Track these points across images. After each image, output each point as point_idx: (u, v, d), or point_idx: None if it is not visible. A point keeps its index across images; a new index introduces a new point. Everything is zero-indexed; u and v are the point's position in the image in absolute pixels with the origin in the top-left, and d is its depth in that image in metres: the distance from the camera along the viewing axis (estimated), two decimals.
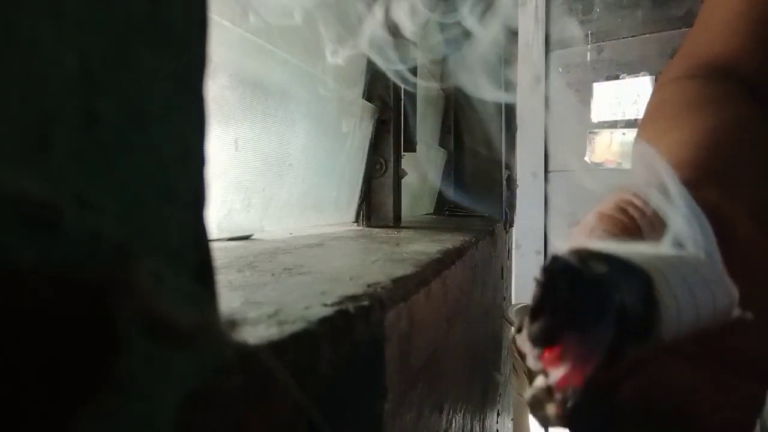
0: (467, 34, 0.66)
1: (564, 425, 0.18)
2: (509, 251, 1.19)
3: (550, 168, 2.01)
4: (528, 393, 0.19)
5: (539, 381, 0.18)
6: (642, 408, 0.19)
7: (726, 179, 0.24)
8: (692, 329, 0.17)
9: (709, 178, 0.23)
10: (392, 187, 0.65)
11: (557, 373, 0.16)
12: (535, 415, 0.18)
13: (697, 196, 0.20)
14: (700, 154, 0.25)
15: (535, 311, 0.17)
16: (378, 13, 0.57)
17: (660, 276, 0.16)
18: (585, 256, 0.16)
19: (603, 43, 1.87)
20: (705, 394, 0.19)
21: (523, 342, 0.17)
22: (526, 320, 0.17)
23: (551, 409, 0.17)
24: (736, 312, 0.18)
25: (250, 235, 0.41)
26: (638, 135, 0.34)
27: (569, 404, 0.17)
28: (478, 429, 0.59)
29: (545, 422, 0.18)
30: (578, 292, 0.16)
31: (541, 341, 0.16)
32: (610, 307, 0.15)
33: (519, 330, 0.18)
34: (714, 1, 0.37)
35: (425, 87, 0.94)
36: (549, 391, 0.17)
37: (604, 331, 0.15)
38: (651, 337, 0.16)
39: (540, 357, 0.17)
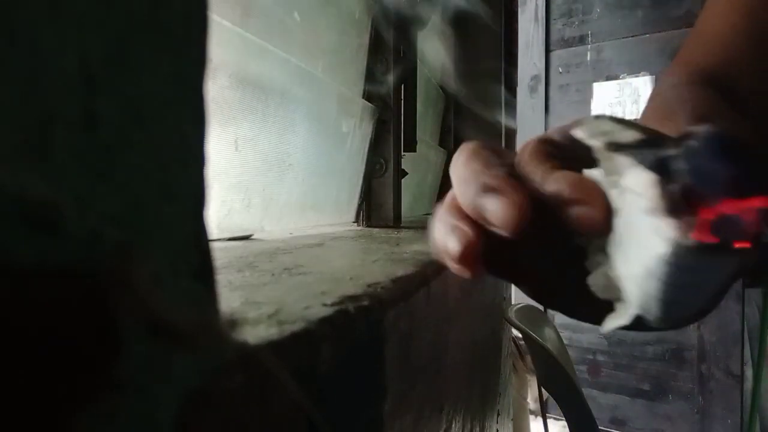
0: None
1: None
2: None
3: None
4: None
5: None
6: None
7: None
8: None
9: None
10: (392, 187, 0.65)
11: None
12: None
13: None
14: None
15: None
16: None
17: None
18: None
19: (603, 43, 1.87)
20: None
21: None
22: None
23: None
24: None
25: (250, 235, 0.41)
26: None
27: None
28: (477, 429, 0.59)
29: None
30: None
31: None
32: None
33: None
34: (709, 13, 0.38)
35: (425, 87, 0.94)
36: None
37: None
38: None
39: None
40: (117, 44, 0.09)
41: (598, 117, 0.21)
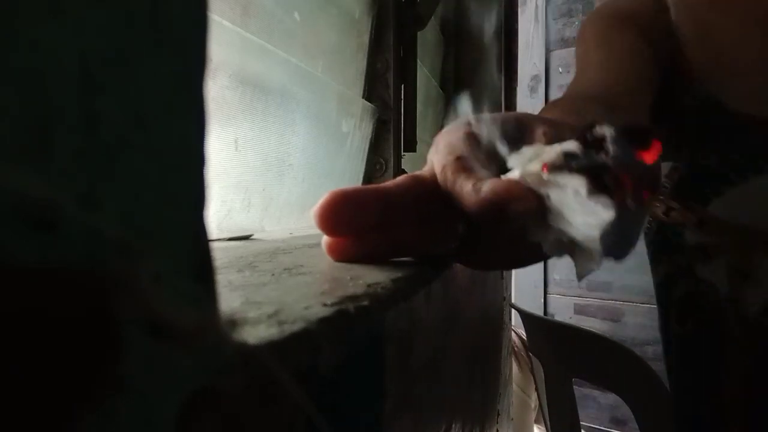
0: None
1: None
2: None
3: None
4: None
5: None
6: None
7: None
8: None
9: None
10: None
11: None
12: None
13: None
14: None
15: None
16: None
17: None
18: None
19: None
20: None
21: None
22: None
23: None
24: None
25: (250, 235, 0.41)
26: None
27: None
28: (477, 429, 0.59)
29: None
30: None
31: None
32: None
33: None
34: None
35: (425, 87, 0.94)
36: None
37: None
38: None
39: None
40: (117, 44, 0.09)
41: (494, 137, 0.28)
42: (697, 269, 0.57)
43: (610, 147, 0.23)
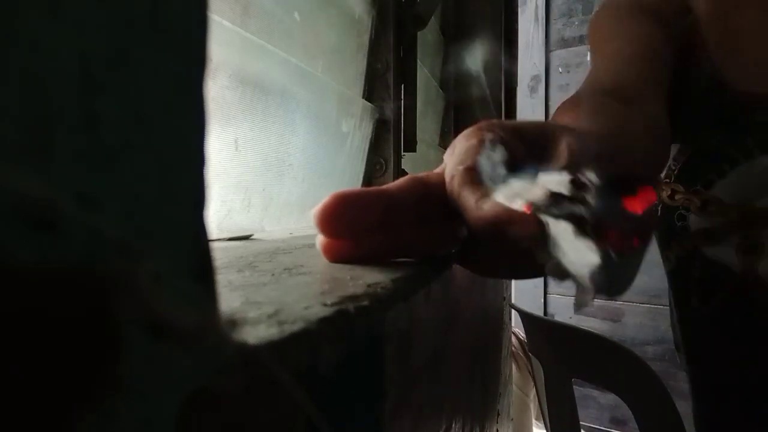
0: None
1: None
2: None
3: None
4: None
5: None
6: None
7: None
8: None
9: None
10: None
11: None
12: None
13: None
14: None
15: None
16: None
17: None
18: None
19: None
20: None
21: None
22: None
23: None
24: None
25: (250, 235, 0.41)
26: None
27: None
28: (477, 429, 0.59)
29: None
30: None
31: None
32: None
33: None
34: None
35: (425, 87, 0.94)
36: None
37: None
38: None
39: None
40: (117, 44, 0.09)
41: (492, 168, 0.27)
42: (706, 252, 0.56)
43: (592, 199, 0.22)
